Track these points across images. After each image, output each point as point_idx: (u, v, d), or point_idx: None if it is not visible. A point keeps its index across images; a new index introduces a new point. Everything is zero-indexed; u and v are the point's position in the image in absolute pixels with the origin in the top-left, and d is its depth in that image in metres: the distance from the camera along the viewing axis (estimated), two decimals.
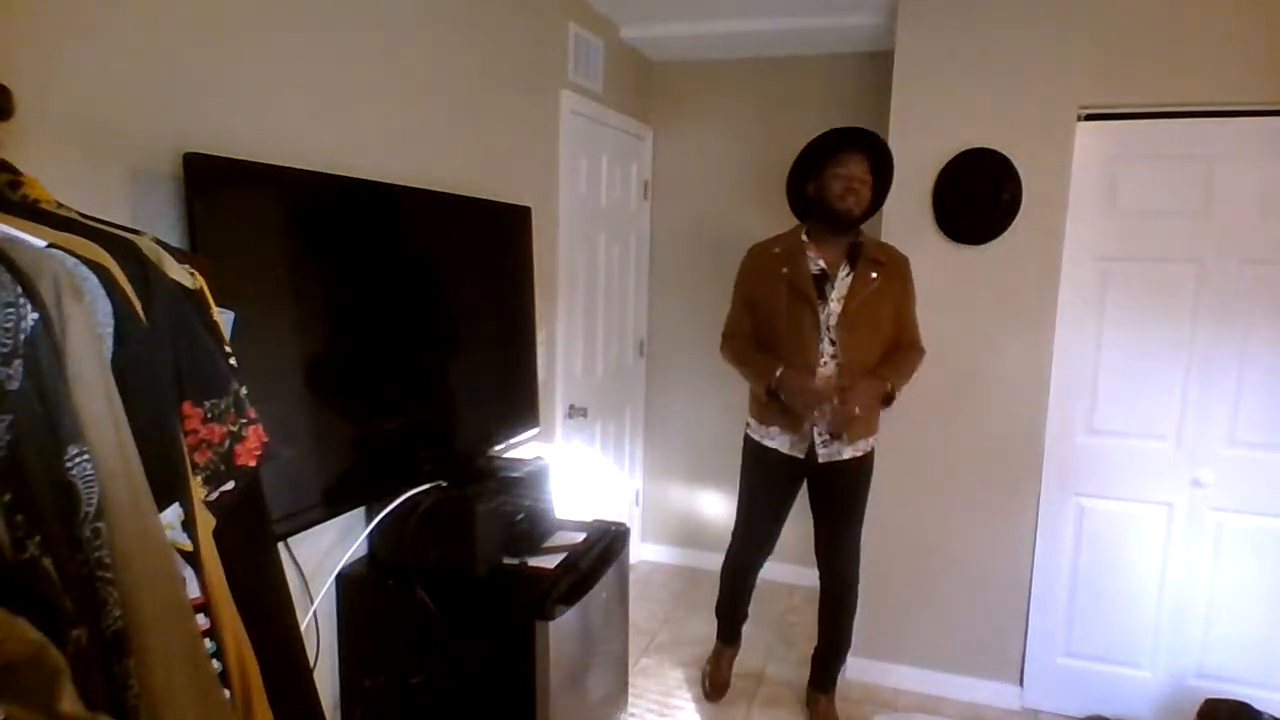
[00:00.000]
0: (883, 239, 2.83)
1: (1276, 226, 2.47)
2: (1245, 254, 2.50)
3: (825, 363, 2.40)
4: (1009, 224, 2.67)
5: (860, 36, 3.24)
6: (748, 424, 2.64)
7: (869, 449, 2.54)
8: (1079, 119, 2.60)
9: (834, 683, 2.76)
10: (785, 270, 2.43)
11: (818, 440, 2.45)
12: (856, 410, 2.32)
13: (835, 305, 2.39)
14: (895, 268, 2.47)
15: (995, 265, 2.71)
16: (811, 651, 2.80)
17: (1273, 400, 2.53)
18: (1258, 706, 2.41)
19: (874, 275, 2.40)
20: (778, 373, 2.38)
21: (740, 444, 2.70)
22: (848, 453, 2.48)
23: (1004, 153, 2.64)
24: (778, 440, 2.51)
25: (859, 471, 2.53)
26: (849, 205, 2.35)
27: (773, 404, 2.44)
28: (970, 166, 2.67)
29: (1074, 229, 2.64)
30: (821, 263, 2.43)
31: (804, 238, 2.47)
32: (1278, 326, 2.50)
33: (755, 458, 2.60)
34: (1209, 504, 2.61)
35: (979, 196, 2.68)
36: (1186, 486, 2.62)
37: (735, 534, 2.75)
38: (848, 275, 2.41)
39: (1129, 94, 2.54)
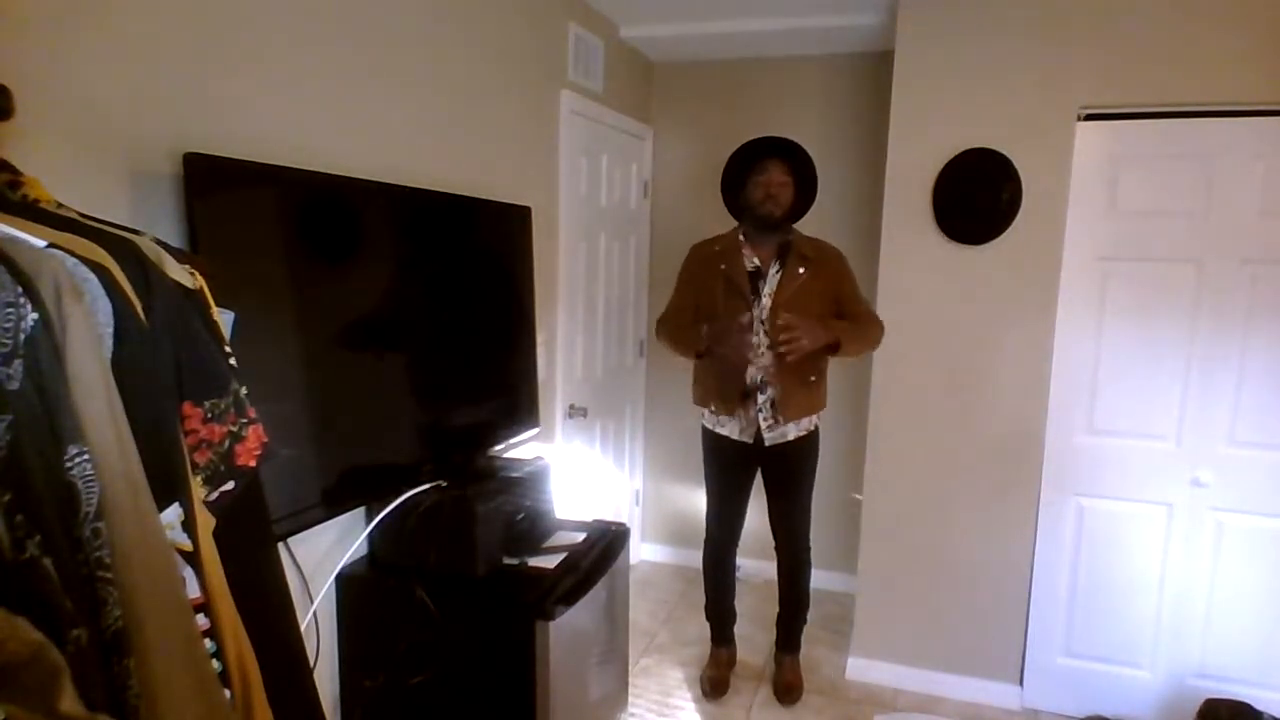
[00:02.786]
0: (882, 239, 2.84)
1: (1276, 226, 2.47)
2: (1245, 254, 2.50)
3: (762, 352, 2.58)
4: (1009, 224, 2.67)
5: (860, 36, 3.24)
6: (702, 415, 2.80)
7: (813, 428, 2.72)
8: (1079, 119, 2.60)
9: (798, 644, 2.95)
10: (723, 267, 2.62)
11: (763, 425, 2.63)
12: (803, 341, 2.39)
13: (767, 300, 2.57)
14: (824, 261, 2.62)
15: (995, 265, 2.71)
16: (813, 651, 2.81)
17: (1273, 400, 2.52)
18: (1258, 706, 2.41)
19: (801, 270, 2.57)
20: (704, 330, 2.54)
21: None
22: (792, 433, 2.66)
23: (1004, 153, 2.64)
24: (728, 428, 2.70)
25: (804, 450, 2.72)
26: (769, 210, 2.55)
27: (710, 377, 2.65)
28: (970, 166, 2.67)
29: (1074, 229, 2.64)
30: (756, 260, 2.62)
31: (740, 237, 2.66)
32: (1278, 326, 2.50)
33: (711, 445, 2.79)
34: (1209, 504, 2.61)
35: (979, 196, 2.68)
36: (1186, 486, 2.62)
37: (708, 522, 2.89)
38: (777, 272, 2.59)
39: (1129, 94, 2.54)
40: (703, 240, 2.76)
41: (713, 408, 2.70)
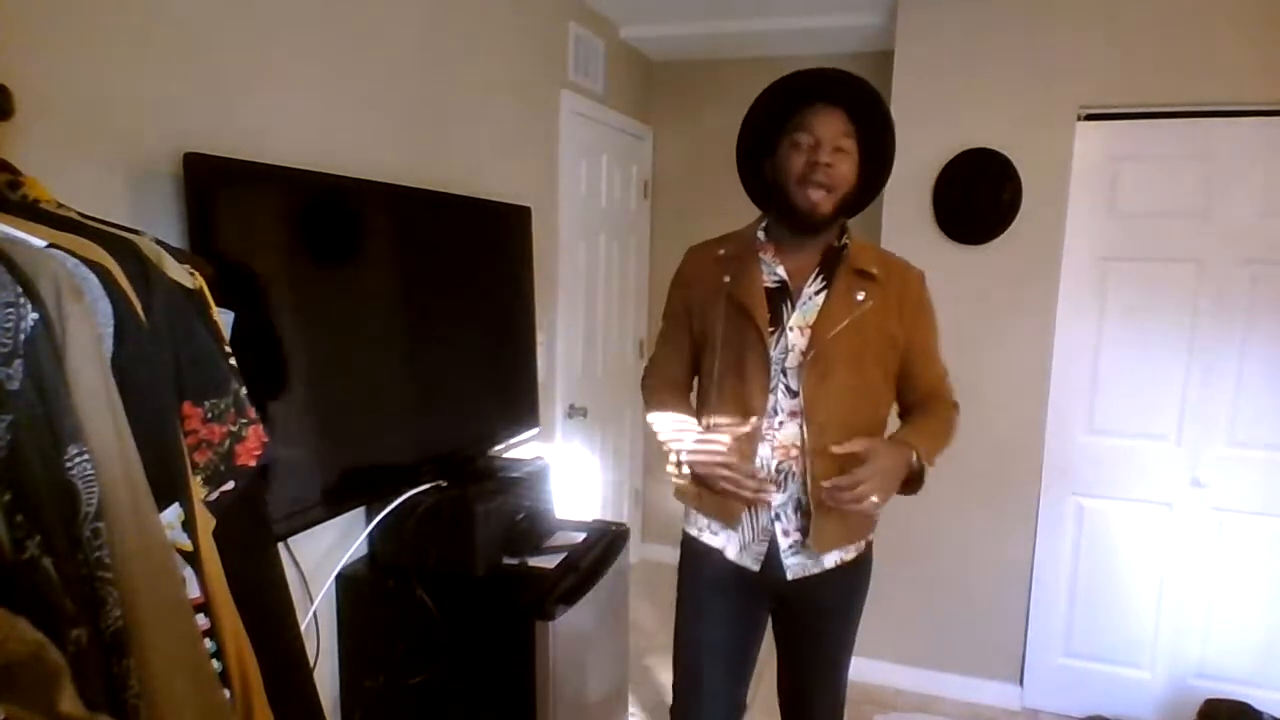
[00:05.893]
0: (882, 239, 2.81)
1: (1276, 226, 2.47)
2: (1245, 254, 2.50)
3: (781, 422, 1.56)
4: (1009, 224, 2.67)
5: (860, 36, 3.23)
6: (684, 513, 1.81)
7: (864, 546, 1.69)
8: (1079, 119, 2.60)
9: None
10: (727, 280, 1.60)
11: (783, 545, 1.59)
12: (874, 499, 1.45)
13: (798, 335, 1.55)
14: (898, 288, 1.60)
15: (995, 265, 2.71)
16: None
17: (1273, 400, 2.52)
18: (1258, 706, 2.42)
19: (861, 295, 1.55)
20: (690, 444, 1.59)
21: None
22: (833, 559, 1.63)
23: (1004, 153, 2.64)
24: (721, 539, 1.68)
25: (851, 586, 1.69)
26: (814, 199, 1.50)
27: (698, 483, 1.64)
28: (970, 166, 2.67)
29: (1074, 229, 2.64)
30: (781, 271, 1.59)
31: (760, 235, 1.64)
32: (1278, 326, 2.50)
33: (691, 565, 1.78)
34: (1209, 504, 2.61)
35: (979, 196, 2.68)
36: (1186, 486, 2.62)
37: (673, 705, 1.84)
38: (820, 291, 1.57)
39: (1129, 94, 2.54)
40: (701, 242, 1.75)
41: (702, 509, 1.70)
